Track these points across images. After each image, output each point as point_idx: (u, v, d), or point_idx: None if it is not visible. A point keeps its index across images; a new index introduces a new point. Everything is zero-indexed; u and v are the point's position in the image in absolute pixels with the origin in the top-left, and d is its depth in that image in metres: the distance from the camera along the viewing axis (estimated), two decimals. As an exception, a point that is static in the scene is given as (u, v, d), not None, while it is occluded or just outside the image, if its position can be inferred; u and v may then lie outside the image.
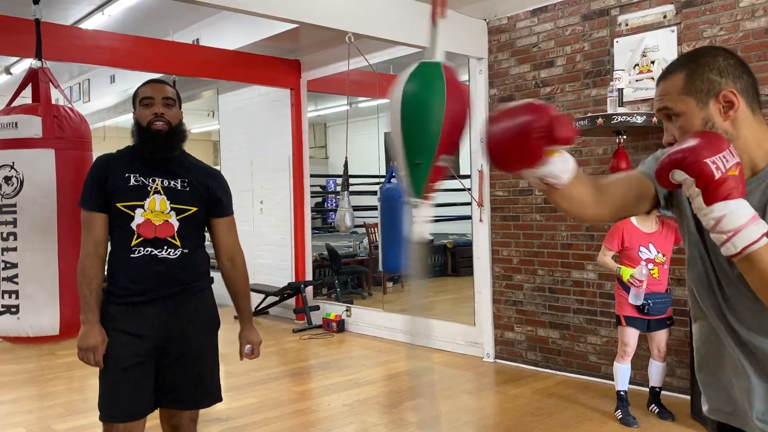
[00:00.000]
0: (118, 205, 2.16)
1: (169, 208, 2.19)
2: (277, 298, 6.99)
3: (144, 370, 2.18)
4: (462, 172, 7.01)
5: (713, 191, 1.11)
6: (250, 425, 3.74)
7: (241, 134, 8.03)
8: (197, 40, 6.91)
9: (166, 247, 2.17)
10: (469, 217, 10.85)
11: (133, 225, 2.15)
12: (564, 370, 4.63)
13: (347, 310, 6.45)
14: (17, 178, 2.80)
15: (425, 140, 1.32)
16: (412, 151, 1.33)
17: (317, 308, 6.66)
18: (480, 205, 5.01)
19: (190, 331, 2.25)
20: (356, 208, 12.05)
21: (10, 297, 2.82)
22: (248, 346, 2.37)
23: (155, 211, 2.17)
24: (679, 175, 1.14)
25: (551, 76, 4.64)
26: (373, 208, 7.55)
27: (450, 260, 10.28)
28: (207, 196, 2.26)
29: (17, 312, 2.81)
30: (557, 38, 4.60)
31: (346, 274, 8.02)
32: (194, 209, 2.23)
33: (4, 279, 2.82)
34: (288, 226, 7.10)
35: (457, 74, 1.32)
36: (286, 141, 7.04)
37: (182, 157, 2.29)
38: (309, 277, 6.96)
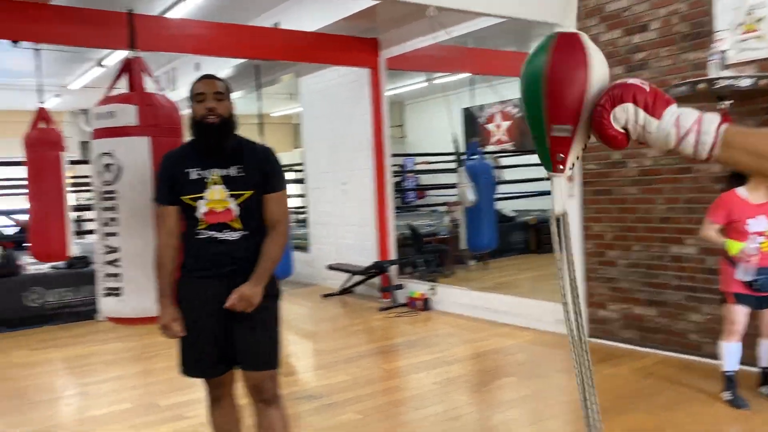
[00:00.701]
0: (183, 198, 2.36)
1: (227, 195, 2.35)
2: (362, 277, 7.05)
3: (209, 335, 2.39)
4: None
5: (656, 101, 1.16)
6: (342, 403, 3.78)
7: (322, 116, 8.10)
8: (277, 23, 6.98)
9: (226, 230, 2.35)
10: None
11: (198, 214, 2.35)
12: (662, 348, 4.43)
13: (432, 289, 6.42)
14: (116, 166, 2.91)
15: (534, 111, 1.33)
16: (530, 124, 1.36)
17: (401, 287, 6.67)
18: (570, 179, 4.83)
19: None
20: (436, 187, 12.01)
21: (113, 280, 2.95)
22: (233, 295, 2.30)
23: (215, 200, 2.34)
24: (620, 112, 1.18)
25: (645, 41, 4.38)
26: (453, 186, 7.47)
27: (534, 237, 10.03)
28: (259, 177, 2.39)
29: (120, 294, 2.94)
30: (650, 0, 4.33)
31: (428, 252, 7.98)
32: (250, 192, 2.36)
33: (107, 263, 2.95)
34: (370, 206, 7.12)
35: (580, 41, 1.28)
36: (367, 121, 7.03)
37: (236, 143, 2.41)
38: (393, 256, 6.97)
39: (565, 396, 3.85)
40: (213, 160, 2.36)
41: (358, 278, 7.12)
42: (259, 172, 2.38)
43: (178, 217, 2.40)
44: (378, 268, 6.79)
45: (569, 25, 4.76)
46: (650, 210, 4.43)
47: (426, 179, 12.87)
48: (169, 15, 6.55)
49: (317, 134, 8.24)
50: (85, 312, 6.51)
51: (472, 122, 13.67)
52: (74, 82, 10.96)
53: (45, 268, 6.58)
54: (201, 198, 2.34)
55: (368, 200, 7.15)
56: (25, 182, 5.12)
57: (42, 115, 5.12)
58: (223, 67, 8.87)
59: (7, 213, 9.43)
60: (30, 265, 6.62)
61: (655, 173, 4.39)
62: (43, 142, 5.04)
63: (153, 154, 2.89)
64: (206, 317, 2.38)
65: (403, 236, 8.02)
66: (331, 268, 7.44)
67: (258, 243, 2.39)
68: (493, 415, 3.55)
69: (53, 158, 5.05)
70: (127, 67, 3.14)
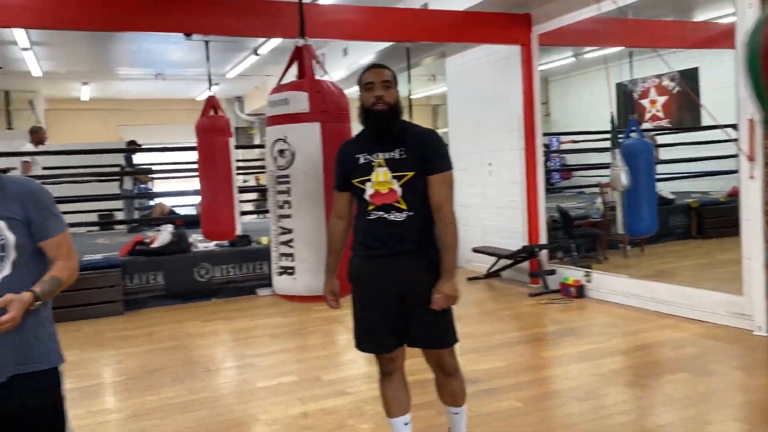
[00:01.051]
0: (353, 181, 2.53)
1: (391, 177, 2.47)
2: (509, 261, 6.92)
3: (381, 312, 2.52)
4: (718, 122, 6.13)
5: None
6: (503, 389, 3.73)
7: (467, 96, 7.99)
8: (425, 4, 6.95)
9: (393, 211, 2.46)
10: (717, 173, 9.73)
11: (366, 196, 2.50)
12: None
13: (587, 275, 6.15)
14: (290, 151, 3.03)
15: (755, 82, 1.27)
16: (754, 97, 1.28)
17: (553, 272, 6.46)
18: (751, 159, 4.39)
19: (420, 281, 2.48)
20: (584, 168, 11.48)
21: (287, 259, 3.09)
22: (437, 295, 2.44)
23: (380, 182, 2.48)
24: None
25: None
26: (605, 166, 7.08)
27: (695, 221, 9.30)
28: (421, 159, 2.48)
29: (293, 273, 3.07)
30: None
31: (579, 237, 7.65)
32: (411, 174, 2.46)
33: (281, 243, 3.10)
34: (518, 188, 6.94)
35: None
36: (516, 100, 6.84)
37: (401, 127, 2.53)
38: (543, 240, 6.76)
39: (748, 396, 3.53)
40: (379, 144, 2.51)
41: (505, 262, 6.99)
42: (421, 154, 2.47)
43: (349, 201, 2.61)
44: (528, 253, 6.61)
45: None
46: None
47: (572, 159, 12.35)
48: (319, 1, 6.74)
49: (462, 114, 8.15)
50: (248, 287, 6.95)
51: (625, 98, 12.90)
52: (231, 71, 11.63)
53: (211, 245, 7.09)
54: (368, 180, 2.49)
55: (517, 182, 6.97)
56: (194, 166, 5.52)
57: (212, 102, 5.48)
58: (370, 52, 9.02)
59: (177, 194, 10.27)
60: (199, 242, 7.16)
61: None
62: (213, 129, 5.39)
63: (323, 140, 2.98)
64: (378, 295, 2.52)
65: (552, 219, 7.75)
66: (477, 251, 7.36)
67: (424, 223, 2.49)
68: (660, 414, 3.33)
69: (222, 144, 5.39)
70: (298, 55, 3.24)
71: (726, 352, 4.26)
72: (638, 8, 6.39)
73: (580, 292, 6.05)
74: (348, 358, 4.60)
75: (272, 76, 12.89)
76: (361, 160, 2.51)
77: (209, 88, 5.54)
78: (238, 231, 5.69)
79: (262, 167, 13.57)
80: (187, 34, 5.61)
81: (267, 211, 11.80)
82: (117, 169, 9.52)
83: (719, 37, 8.27)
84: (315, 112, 2.99)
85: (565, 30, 6.42)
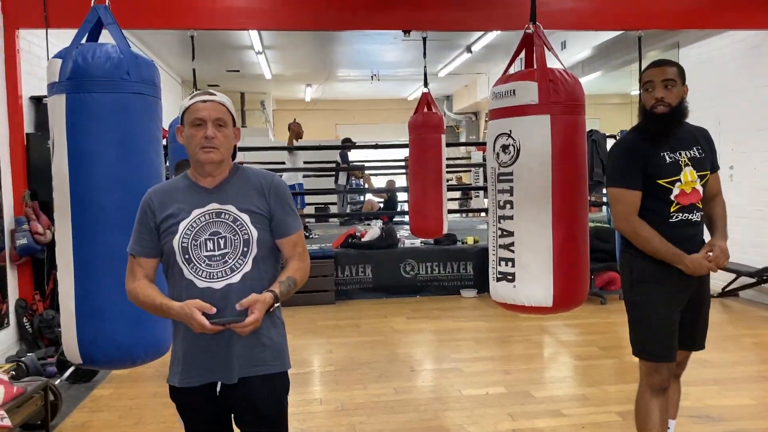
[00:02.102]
0: (659, 181, 2.40)
1: (696, 176, 2.44)
2: (752, 280, 5.98)
3: (677, 315, 2.44)
4: None
5: None
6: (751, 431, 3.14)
7: (704, 91, 7.08)
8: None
9: (695, 211, 2.43)
10: None
11: (672, 196, 2.40)
12: None
13: None
14: (514, 147, 2.78)
15: None
16: None
17: (810, 297, 5.44)
18: None
19: (705, 281, 2.51)
20: None
21: (506, 265, 2.84)
22: (715, 251, 2.39)
23: (688, 182, 2.42)
24: None
25: None
26: None
27: None
28: (712, 157, 2.54)
29: (513, 280, 2.82)
30: None
31: None
32: (709, 173, 2.49)
33: (500, 246, 2.86)
34: None
35: None
36: (766, 95, 5.87)
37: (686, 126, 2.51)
38: (798, 257, 5.74)
39: None
40: (678, 141, 2.45)
41: (746, 280, 6.06)
42: (710, 153, 2.53)
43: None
44: (777, 271, 5.65)
45: None
46: None
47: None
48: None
49: (698, 111, 7.19)
50: (452, 287, 6.84)
51: None
52: (443, 70, 11.67)
53: (417, 242, 7.09)
54: (678, 181, 2.39)
55: (766, 188, 6.01)
56: (403, 164, 5.49)
57: (426, 99, 5.42)
58: (590, 44, 8.42)
59: (389, 191, 10.54)
60: (405, 238, 7.21)
61: None
62: (426, 125, 5.33)
63: (552, 134, 2.69)
64: (676, 298, 2.43)
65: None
66: (710, 265, 6.47)
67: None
68: None
69: (435, 140, 5.31)
70: (527, 42, 2.98)
71: None
72: None
73: None
74: (560, 374, 4.24)
75: (482, 74, 12.72)
76: (667, 159, 2.40)
77: (425, 85, 5.48)
78: (445, 229, 5.56)
79: (467, 166, 13.53)
80: (406, 31, 5.61)
81: (471, 211, 11.68)
82: (333, 165, 9.99)
83: None
84: (545, 104, 2.71)
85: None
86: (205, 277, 1.73)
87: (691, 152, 2.44)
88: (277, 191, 1.82)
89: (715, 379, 3.90)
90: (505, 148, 2.83)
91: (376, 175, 11.95)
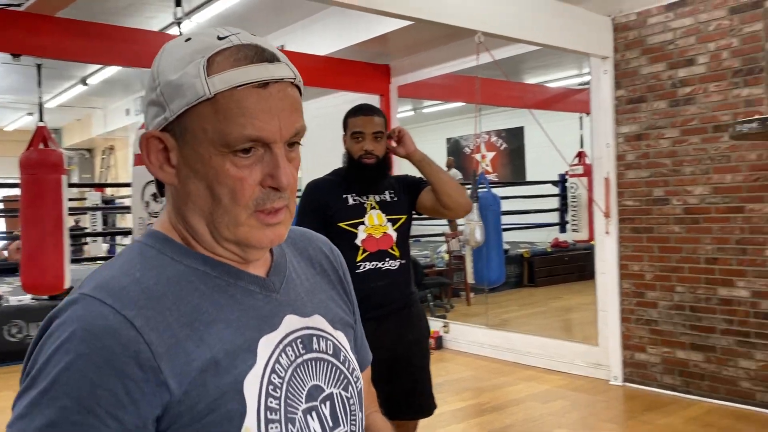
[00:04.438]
0: (340, 224, 2.29)
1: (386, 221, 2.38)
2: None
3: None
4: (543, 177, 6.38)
5: None
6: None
7: (325, 142, 7.81)
8: (282, 46, 6.72)
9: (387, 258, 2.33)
10: (548, 225, 10.47)
11: (357, 241, 2.31)
12: (710, 396, 4.23)
13: (445, 326, 6.13)
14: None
15: None
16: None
17: (411, 323, 6.36)
18: (607, 215, 4.65)
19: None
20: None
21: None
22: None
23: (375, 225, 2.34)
24: None
25: (692, 75, 4.26)
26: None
27: (526, 270, 9.89)
28: (409, 198, 2.45)
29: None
30: (698, 34, 4.22)
31: (430, 286, 7.69)
32: (404, 217, 2.38)
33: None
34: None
35: None
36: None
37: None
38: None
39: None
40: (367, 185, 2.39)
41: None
42: (407, 194, 2.45)
43: None
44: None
45: (607, 56, 4.64)
46: (696, 250, 4.27)
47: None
48: (170, 32, 6.24)
49: (320, 158, 7.93)
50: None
51: (457, 152, 13.59)
52: (52, 100, 10.44)
53: (27, 299, 6.06)
54: (361, 223, 2.32)
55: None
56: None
57: (42, 133, 4.71)
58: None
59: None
60: (9, 294, 6.10)
61: (702, 212, 4.23)
62: (44, 164, 4.62)
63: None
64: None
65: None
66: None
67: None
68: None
69: (54, 181, 4.63)
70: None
71: (592, 404, 4.37)
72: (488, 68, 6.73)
73: (438, 343, 6.00)
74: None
75: (98, 108, 11.79)
76: (350, 201, 2.30)
77: (41, 119, 4.77)
78: (68, 283, 4.87)
79: (83, 209, 12.25)
80: (15, 55, 4.82)
81: (87, 260, 10.45)
82: None
83: (551, 100, 9.02)
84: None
85: (422, 84, 6.54)
86: None
87: (381, 196, 2.34)
88: (344, 266, 0.98)
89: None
90: (156, 196, 2.61)
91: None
